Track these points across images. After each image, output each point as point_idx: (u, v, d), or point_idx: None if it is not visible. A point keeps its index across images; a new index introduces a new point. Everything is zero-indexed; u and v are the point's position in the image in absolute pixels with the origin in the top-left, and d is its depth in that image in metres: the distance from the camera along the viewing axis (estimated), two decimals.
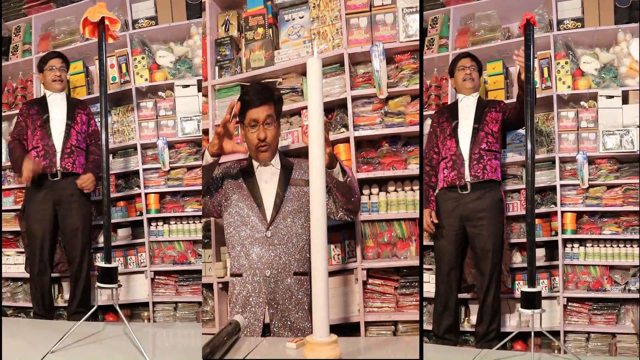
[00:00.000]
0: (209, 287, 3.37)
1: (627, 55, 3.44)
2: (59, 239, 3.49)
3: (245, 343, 1.95)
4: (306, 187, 2.50)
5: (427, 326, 3.47)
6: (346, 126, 3.20)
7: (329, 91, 3.23)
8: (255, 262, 2.40)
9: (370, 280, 3.19)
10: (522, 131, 3.46)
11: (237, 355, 1.79)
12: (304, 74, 3.29)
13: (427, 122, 3.62)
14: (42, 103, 3.48)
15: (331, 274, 3.13)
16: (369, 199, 3.24)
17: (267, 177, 2.51)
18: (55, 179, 3.37)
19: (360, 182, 3.18)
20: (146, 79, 3.76)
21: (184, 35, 3.84)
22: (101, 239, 3.70)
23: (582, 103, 3.50)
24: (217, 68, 3.48)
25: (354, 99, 3.20)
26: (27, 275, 3.56)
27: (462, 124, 3.25)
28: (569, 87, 3.46)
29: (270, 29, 3.41)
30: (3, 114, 3.91)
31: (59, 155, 3.38)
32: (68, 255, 3.46)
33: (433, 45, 3.78)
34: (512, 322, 3.52)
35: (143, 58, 3.75)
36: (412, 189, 3.24)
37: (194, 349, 2.54)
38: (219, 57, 3.49)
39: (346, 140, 3.18)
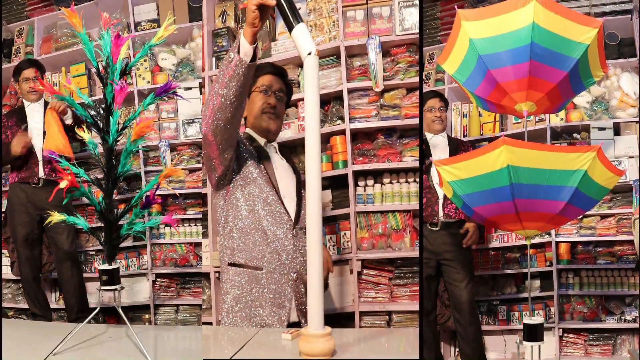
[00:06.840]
0: (205, 276, 3.35)
1: (617, 89, 3.49)
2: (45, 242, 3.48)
3: (242, 333, 1.93)
4: None
5: None
6: (342, 118, 3.20)
7: (325, 83, 3.24)
8: (283, 259, 2.08)
9: (365, 271, 3.18)
10: None
11: (234, 346, 1.77)
12: (300, 65, 3.29)
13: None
14: (20, 112, 3.45)
15: None
16: (364, 190, 3.23)
17: (278, 165, 2.21)
18: (37, 185, 3.34)
19: (355, 174, 3.21)
20: (148, 82, 3.77)
21: (186, 38, 3.86)
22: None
23: (574, 135, 3.51)
24: (214, 59, 3.49)
25: (350, 91, 3.21)
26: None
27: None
28: (562, 119, 3.50)
29: (267, 21, 3.41)
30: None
31: (40, 164, 3.35)
32: (55, 261, 3.44)
33: (430, 79, 3.85)
34: (504, 354, 3.53)
35: (145, 60, 3.77)
36: (406, 181, 3.23)
37: (196, 352, 2.51)
38: (215, 48, 3.51)
39: (342, 132, 3.19)
